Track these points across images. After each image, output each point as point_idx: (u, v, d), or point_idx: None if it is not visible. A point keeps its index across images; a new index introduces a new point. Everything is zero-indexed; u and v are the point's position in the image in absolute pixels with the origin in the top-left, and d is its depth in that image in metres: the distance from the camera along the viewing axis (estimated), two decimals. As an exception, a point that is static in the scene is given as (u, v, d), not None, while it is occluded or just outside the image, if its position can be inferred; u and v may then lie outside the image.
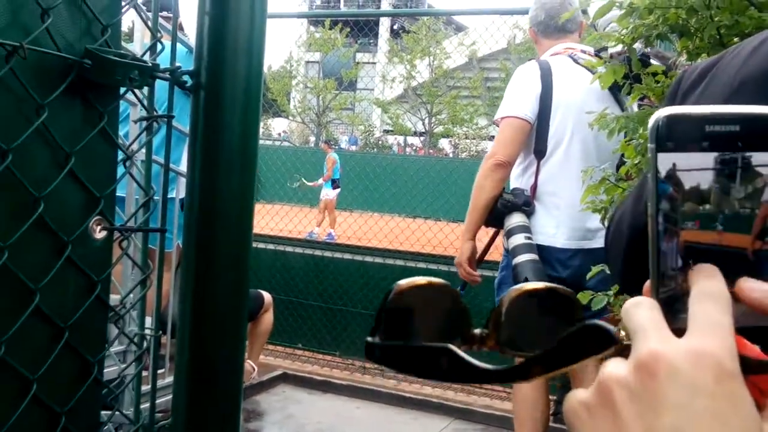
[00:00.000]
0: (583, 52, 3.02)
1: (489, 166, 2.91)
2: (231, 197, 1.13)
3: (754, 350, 0.43)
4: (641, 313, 0.44)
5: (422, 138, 27.76)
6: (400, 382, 5.30)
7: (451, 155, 26.80)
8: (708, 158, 0.44)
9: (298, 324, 5.60)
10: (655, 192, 0.45)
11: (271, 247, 5.87)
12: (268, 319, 4.50)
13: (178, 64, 1.12)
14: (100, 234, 1.07)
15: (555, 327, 0.52)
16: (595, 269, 2.28)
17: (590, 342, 0.46)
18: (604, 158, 2.91)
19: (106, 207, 1.08)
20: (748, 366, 0.41)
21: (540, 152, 2.94)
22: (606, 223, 2.47)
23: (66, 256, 1.01)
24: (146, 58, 1.12)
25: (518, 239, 2.84)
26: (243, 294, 1.18)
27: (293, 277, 5.68)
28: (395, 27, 30.78)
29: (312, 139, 27.55)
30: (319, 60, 28.67)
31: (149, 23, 1.20)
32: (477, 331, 0.53)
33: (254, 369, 4.49)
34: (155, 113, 1.16)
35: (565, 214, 2.88)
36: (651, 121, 0.46)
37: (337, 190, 14.25)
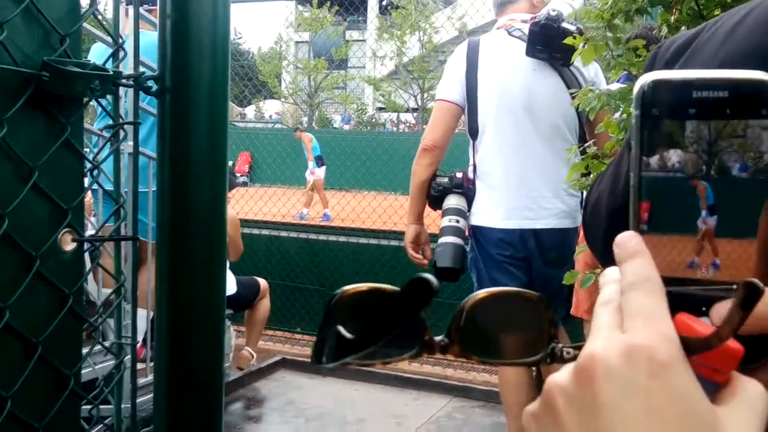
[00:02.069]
0: (524, 21, 2.93)
1: (418, 151, 2.95)
2: (201, 200, 1.13)
3: (702, 325, 0.41)
4: (602, 314, 0.43)
5: (415, 114, 27.66)
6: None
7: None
8: (695, 125, 0.43)
9: (296, 308, 5.62)
10: (638, 161, 0.44)
11: (265, 232, 5.87)
12: (264, 305, 4.51)
13: (142, 69, 1.11)
14: (69, 246, 1.06)
15: (522, 330, 0.51)
16: (580, 248, 2.28)
17: (417, 295, 0.46)
18: (544, 133, 2.87)
19: (74, 218, 1.07)
20: (690, 347, 0.39)
21: (473, 132, 2.92)
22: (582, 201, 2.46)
23: (35, 270, 1.01)
24: (108, 65, 1.10)
25: (444, 222, 2.87)
26: (219, 295, 1.18)
27: (289, 262, 5.68)
28: (383, 3, 30.54)
29: (305, 119, 27.45)
30: (309, 40, 28.48)
31: (111, 30, 1.19)
32: (437, 338, 0.51)
33: (253, 356, 4.51)
34: (122, 120, 1.15)
35: (501, 193, 2.86)
36: (636, 87, 0.44)
37: (324, 168, 14.14)
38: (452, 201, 2.87)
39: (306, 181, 13.92)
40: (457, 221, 2.82)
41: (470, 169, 2.94)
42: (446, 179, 2.92)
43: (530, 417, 0.44)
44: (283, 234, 5.87)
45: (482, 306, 0.52)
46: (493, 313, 0.52)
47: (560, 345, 0.50)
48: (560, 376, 0.42)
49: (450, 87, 2.92)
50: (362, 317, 0.50)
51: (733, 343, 0.40)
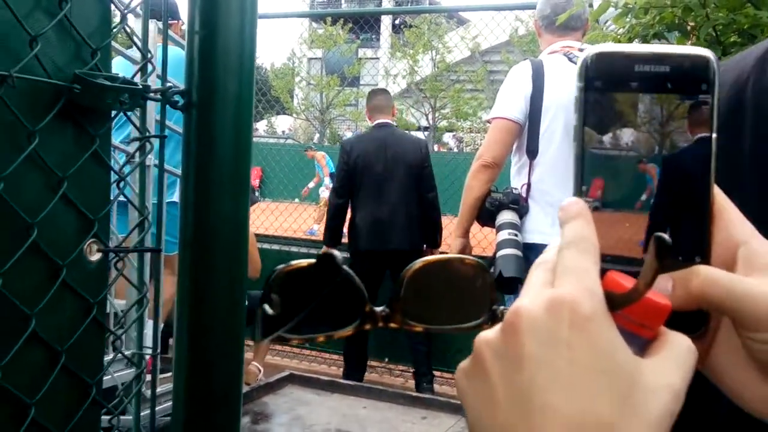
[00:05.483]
0: (581, 50, 3.01)
1: (476, 167, 3.01)
2: (225, 215, 1.14)
3: (630, 282, 0.41)
4: (535, 273, 0.43)
5: (426, 132, 27.73)
6: (408, 380, 5.31)
7: (455, 149, 26.75)
8: (635, 98, 0.43)
9: (304, 323, 5.61)
10: (581, 132, 0.45)
11: (275, 247, 5.88)
12: (273, 320, 4.52)
13: (169, 84, 1.12)
14: (95, 256, 1.07)
15: (464, 295, 0.52)
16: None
17: (329, 270, 0.47)
18: None
19: (100, 229, 1.08)
20: (613, 302, 0.40)
21: (532, 152, 2.98)
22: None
23: (61, 280, 1.02)
24: (137, 78, 1.12)
25: (503, 235, 2.90)
26: (240, 309, 1.19)
27: (299, 277, 5.68)
28: (397, 22, 30.70)
29: (317, 136, 27.52)
30: (322, 57, 28.63)
31: (139, 44, 1.21)
32: (378, 309, 0.51)
33: (260, 370, 4.51)
34: (148, 133, 1.17)
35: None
36: (579, 60, 0.45)
37: None
38: (508, 216, 2.93)
39: (319, 198, 13.93)
40: (516, 235, 2.87)
41: (523, 187, 2.99)
42: (500, 195, 2.97)
43: (461, 374, 0.44)
44: (294, 249, 5.89)
45: (422, 274, 0.52)
46: (434, 281, 0.52)
47: (501, 308, 0.51)
48: (489, 332, 0.43)
49: (513, 105, 2.97)
50: (292, 292, 0.50)
51: (660, 299, 0.41)
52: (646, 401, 0.37)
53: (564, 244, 0.43)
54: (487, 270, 0.52)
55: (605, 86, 0.44)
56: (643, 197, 0.44)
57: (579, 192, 0.45)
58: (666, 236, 0.39)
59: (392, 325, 0.52)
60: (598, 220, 0.43)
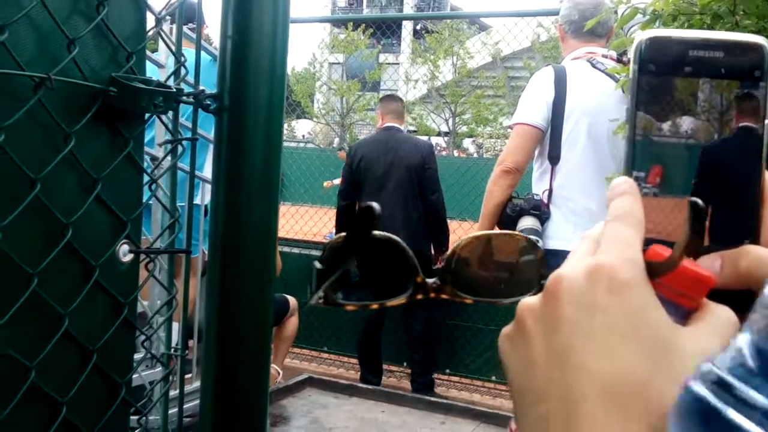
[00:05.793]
0: (605, 56, 3.00)
1: (497, 172, 3.00)
2: (254, 220, 1.15)
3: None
4: (581, 244, 0.45)
5: (446, 138, 27.70)
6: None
7: (475, 155, 26.74)
8: (689, 83, 0.44)
9: (323, 327, 5.63)
10: (633, 114, 0.45)
11: (295, 250, 5.90)
12: (293, 323, 4.53)
13: (201, 87, 1.13)
14: (126, 257, 1.08)
15: (514, 269, 0.53)
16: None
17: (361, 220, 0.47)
18: (618, 160, 2.89)
19: (132, 230, 1.10)
20: (653, 270, 0.40)
21: (554, 158, 2.97)
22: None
23: (94, 280, 1.03)
24: (170, 81, 1.13)
25: None
26: (267, 314, 1.19)
27: (318, 280, 5.69)
28: (418, 27, 30.73)
29: (337, 140, 27.58)
30: (342, 62, 28.69)
31: (173, 47, 1.22)
32: (430, 281, 0.52)
33: (279, 373, 4.53)
34: (180, 135, 1.18)
35: (581, 219, 2.90)
36: (634, 43, 0.45)
37: None
38: (529, 222, 2.92)
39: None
40: (537, 241, 2.86)
41: (545, 193, 2.99)
42: (521, 200, 2.97)
43: (504, 339, 0.46)
44: (313, 252, 5.90)
45: (474, 247, 0.53)
46: (485, 255, 0.53)
47: None
48: (532, 298, 0.44)
49: (535, 111, 2.97)
50: (340, 261, 0.51)
51: (703, 271, 0.41)
52: (682, 364, 0.38)
53: (609, 218, 0.44)
54: (537, 246, 0.53)
55: (659, 70, 0.44)
56: (688, 182, 0.45)
57: (629, 173, 0.45)
58: (699, 201, 0.39)
59: (443, 296, 0.53)
60: (655, 206, 0.44)
